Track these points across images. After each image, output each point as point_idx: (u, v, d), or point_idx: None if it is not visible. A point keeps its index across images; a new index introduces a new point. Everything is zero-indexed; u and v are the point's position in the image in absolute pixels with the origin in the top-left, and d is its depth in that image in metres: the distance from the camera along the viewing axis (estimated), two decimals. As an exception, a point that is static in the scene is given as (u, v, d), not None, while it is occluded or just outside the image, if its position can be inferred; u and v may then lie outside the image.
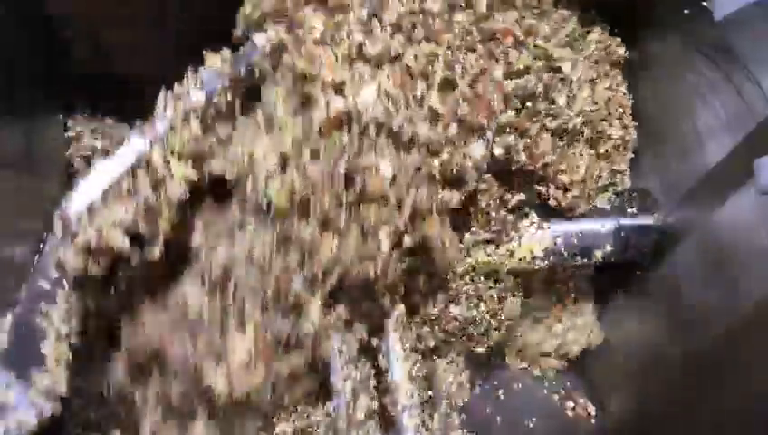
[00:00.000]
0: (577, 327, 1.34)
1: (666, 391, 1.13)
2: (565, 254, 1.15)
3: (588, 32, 1.19)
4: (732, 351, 0.97)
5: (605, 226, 1.14)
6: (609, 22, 1.20)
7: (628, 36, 1.18)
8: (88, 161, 1.17)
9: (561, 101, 1.12)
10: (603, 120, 1.16)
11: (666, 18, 1.08)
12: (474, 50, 1.03)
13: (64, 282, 0.86)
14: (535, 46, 1.09)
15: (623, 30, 1.19)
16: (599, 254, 1.16)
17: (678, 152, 1.06)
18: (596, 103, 1.15)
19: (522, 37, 1.08)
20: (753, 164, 0.79)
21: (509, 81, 1.06)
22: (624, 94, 1.19)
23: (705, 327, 1.02)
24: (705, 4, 0.83)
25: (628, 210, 1.14)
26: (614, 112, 1.17)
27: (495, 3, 1.08)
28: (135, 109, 1.22)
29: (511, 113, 1.09)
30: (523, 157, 1.10)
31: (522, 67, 1.08)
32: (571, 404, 1.33)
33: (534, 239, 1.13)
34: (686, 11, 1.00)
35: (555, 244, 1.14)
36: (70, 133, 1.16)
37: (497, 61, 1.05)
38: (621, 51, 1.19)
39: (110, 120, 1.20)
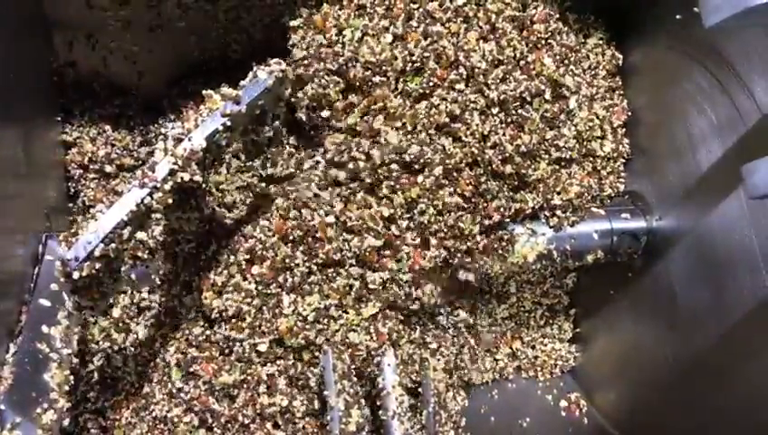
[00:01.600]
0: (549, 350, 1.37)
1: (658, 390, 1.14)
2: (557, 259, 1.17)
3: (586, 37, 1.20)
4: (722, 350, 0.98)
5: (597, 229, 1.16)
6: (606, 27, 1.21)
7: (624, 42, 1.19)
8: (84, 167, 1.17)
9: (566, 131, 1.13)
10: (597, 138, 1.17)
11: (660, 24, 1.09)
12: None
13: (64, 295, 0.87)
14: (542, 74, 1.09)
15: (619, 35, 1.19)
16: (590, 257, 1.17)
17: (671, 156, 1.07)
18: (591, 121, 1.15)
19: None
20: (742, 168, 0.79)
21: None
22: (622, 104, 1.19)
23: (695, 327, 1.03)
24: (696, 10, 0.83)
25: (622, 215, 1.16)
26: (608, 128, 1.17)
27: None
28: (132, 115, 1.24)
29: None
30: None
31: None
32: (564, 404, 1.34)
33: (528, 246, 1.15)
34: (678, 16, 1.01)
35: (548, 250, 1.15)
36: (67, 138, 1.17)
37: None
38: (619, 57, 1.19)
39: (108, 126, 1.20)
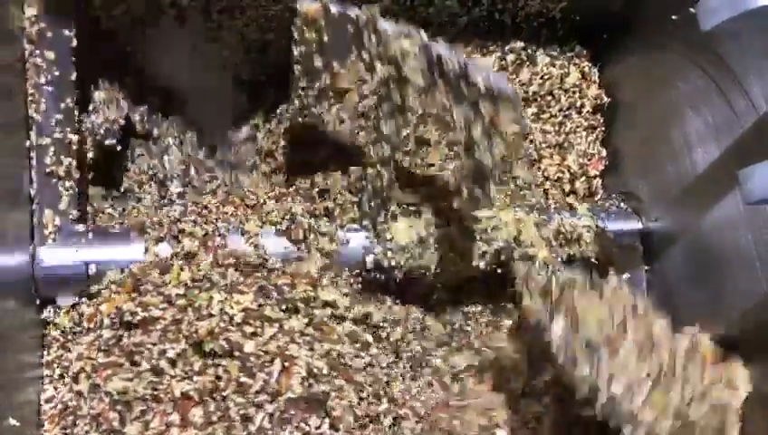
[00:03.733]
0: None
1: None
2: (554, 244, 1.15)
3: (564, 76, 1.20)
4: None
5: (593, 226, 1.15)
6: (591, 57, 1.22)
7: (620, 41, 1.19)
8: None
9: (523, 173, 1.15)
10: (568, 181, 1.19)
11: (655, 24, 1.09)
12: None
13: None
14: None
15: (616, 35, 1.19)
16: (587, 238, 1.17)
17: (666, 157, 1.07)
18: (562, 173, 1.18)
19: None
20: (738, 174, 0.79)
21: None
22: (600, 154, 1.21)
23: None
24: (692, 10, 0.83)
25: (612, 207, 1.17)
26: (579, 172, 1.19)
27: None
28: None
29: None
30: None
31: None
32: (560, 403, 1.33)
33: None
34: (674, 17, 1.01)
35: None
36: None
37: None
38: (602, 95, 1.20)
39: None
